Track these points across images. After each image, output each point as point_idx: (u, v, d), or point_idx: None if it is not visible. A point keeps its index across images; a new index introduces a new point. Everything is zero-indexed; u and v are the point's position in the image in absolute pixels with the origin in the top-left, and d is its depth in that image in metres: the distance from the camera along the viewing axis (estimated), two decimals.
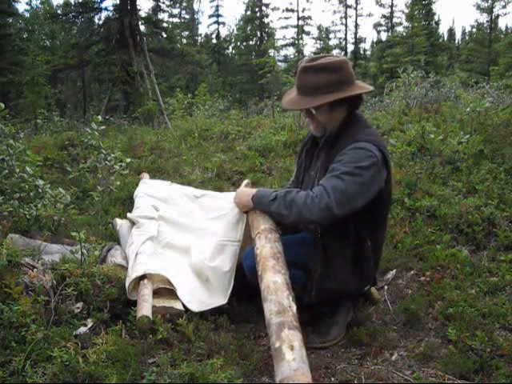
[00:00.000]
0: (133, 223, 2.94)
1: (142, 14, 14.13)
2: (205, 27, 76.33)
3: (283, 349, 1.46)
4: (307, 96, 2.03)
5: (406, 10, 27.83)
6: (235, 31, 35.80)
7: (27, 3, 30.14)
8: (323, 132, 2.14)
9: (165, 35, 15.38)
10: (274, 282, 1.75)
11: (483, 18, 27.31)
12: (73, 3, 14.50)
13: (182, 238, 2.77)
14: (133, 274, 2.22)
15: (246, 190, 2.28)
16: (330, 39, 33.17)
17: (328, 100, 1.99)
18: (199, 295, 2.31)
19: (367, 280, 2.18)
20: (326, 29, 33.69)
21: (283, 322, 1.55)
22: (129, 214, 3.07)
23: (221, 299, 2.27)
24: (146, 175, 4.30)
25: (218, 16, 32.91)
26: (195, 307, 2.22)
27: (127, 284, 2.17)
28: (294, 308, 1.63)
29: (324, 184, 1.91)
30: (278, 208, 1.98)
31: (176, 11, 32.69)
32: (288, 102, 2.14)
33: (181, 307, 2.17)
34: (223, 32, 45.87)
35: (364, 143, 1.96)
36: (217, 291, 2.31)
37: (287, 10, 31.51)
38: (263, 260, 1.87)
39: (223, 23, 39.27)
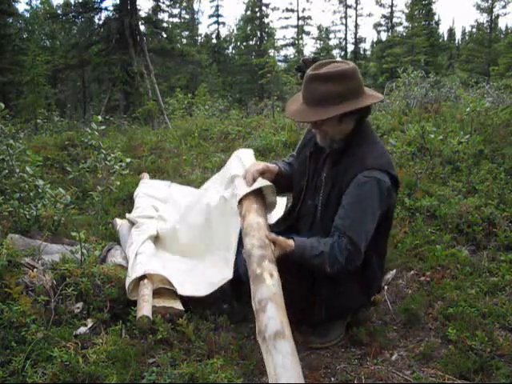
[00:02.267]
0: (132, 224, 2.94)
1: (142, 14, 14.17)
2: (205, 27, 76.33)
3: (264, 275, 1.63)
4: (315, 107, 1.90)
5: (406, 10, 27.85)
6: (235, 31, 35.79)
7: (27, 3, 30.14)
8: (330, 143, 2.03)
9: (165, 35, 15.38)
10: (258, 223, 1.91)
11: (483, 18, 27.39)
12: (73, 3, 14.55)
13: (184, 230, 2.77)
14: (133, 274, 2.22)
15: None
16: (330, 39, 33.20)
17: (338, 112, 1.87)
18: (205, 279, 2.33)
19: (374, 290, 2.19)
20: (326, 29, 33.71)
21: (265, 255, 1.73)
22: (128, 215, 3.08)
23: (227, 274, 2.25)
24: (146, 175, 4.30)
25: (218, 16, 32.91)
26: (203, 291, 2.24)
27: (127, 284, 2.18)
28: (273, 247, 1.82)
29: (354, 238, 1.86)
30: (319, 262, 1.88)
31: (176, 11, 32.67)
32: (295, 113, 2.00)
33: (181, 307, 2.17)
34: (223, 32, 45.89)
35: (374, 172, 1.89)
36: (222, 267, 2.32)
37: (287, 10, 31.54)
38: (248, 207, 2.01)
39: (223, 23, 39.26)
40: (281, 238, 1.88)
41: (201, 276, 2.40)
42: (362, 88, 1.94)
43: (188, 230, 2.69)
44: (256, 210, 2.01)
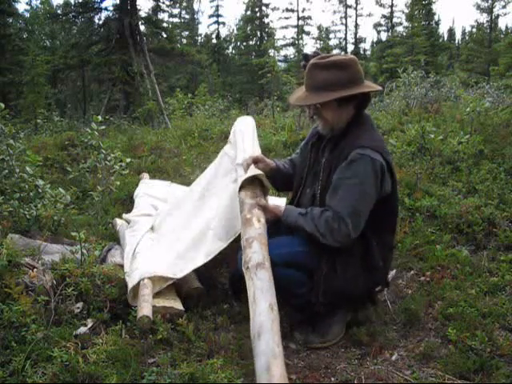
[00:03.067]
0: (128, 223, 2.95)
1: (142, 14, 14.17)
2: (205, 27, 76.40)
3: (253, 219, 1.95)
4: (314, 93, 2.03)
5: (406, 10, 27.83)
6: (235, 31, 35.79)
7: (27, 3, 30.12)
8: (330, 130, 2.11)
9: (165, 35, 15.37)
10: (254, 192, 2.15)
11: (483, 18, 27.36)
12: (73, 3, 14.56)
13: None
14: (129, 283, 2.21)
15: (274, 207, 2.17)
16: (330, 39, 33.20)
17: (334, 97, 1.98)
18: (203, 248, 2.38)
19: (377, 280, 2.17)
20: (326, 29, 33.71)
21: (255, 204, 2.05)
22: (124, 215, 3.07)
23: (224, 243, 2.34)
24: (146, 175, 4.30)
25: (218, 16, 32.92)
26: (200, 261, 2.30)
27: (128, 292, 2.17)
28: (263, 201, 2.09)
29: (340, 211, 1.93)
30: (304, 224, 2.00)
31: (176, 11, 32.71)
32: (295, 99, 2.14)
33: (181, 307, 2.17)
34: (223, 32, 45.78)
35: (368, 150, 1.95)
36: (221, 237, 2.38)
37: (287, 10, 31.55)
38: (246, 192, 2.16)
39: (223, 23, 39.19)
40: (271, 204, 2.12)
41: (197, 248, 2.42)
42: (360, 78, 2.03)
43: (191, 207, 2.75)
44: (253, 192, 2.17)
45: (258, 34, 30.66)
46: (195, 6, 35.32)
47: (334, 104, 2.02)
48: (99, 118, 3.82)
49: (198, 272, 2.44)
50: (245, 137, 2.63)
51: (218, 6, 32.48)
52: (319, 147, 2.20)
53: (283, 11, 31.60)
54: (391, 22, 30.31)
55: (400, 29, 29.34)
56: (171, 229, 2.69)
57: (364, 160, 1.93)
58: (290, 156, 2.54)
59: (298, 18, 31.68)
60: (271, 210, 2.08)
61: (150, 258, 2.42)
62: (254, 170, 2.22)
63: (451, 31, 43.79)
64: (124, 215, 3.08)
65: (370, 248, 2.05)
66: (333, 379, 1.84)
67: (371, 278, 2.12)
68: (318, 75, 2.01)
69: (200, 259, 2.34)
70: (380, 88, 2.15)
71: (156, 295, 2.18)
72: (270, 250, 2.04)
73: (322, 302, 2.05)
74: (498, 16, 27.59)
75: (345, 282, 2.02)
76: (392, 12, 30.08)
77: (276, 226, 2.28)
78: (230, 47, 35.74)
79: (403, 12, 29.12)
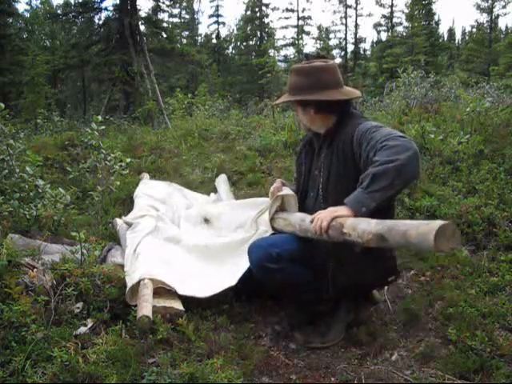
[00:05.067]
0: (129, 225, 2.94)
1: (142, 14, 14.16)
2: (205, 27, 76.31)
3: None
4: (288, 95, 2.18)
5: (406, 10, 27.80)
6: (235, 31, 35.78)
7: (27, 3, 30.15)
8: (309, 131, 2.27)
9: (165, 35, 15.37)
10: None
11: (483, 18, 27.41)
12: (73, 3, 14.55)
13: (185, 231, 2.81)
14: (129, 282, 2.20)
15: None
16: (330, 39, 33.14)
17: (293, 99, 2.13)
18: (208, 281, 2.34)
19: (388, 270, 2.12)
20: (326, 29, 33.68)
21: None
22: (124, 218, 3.07)
23: (231, 281, 2.27)
24: (146, 175, 4.30)
25: (218, 16, 32.89)
26: (203, 293, 2.24)
27: (126, 291, 2.17)
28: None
29: (384, 137, 1.75)
30: (385, 181, 1.65)
31: (176, 11, 32.65)
32: (277, 99, 2.31)
33: (181, 307, 2.17)
34: (223, 32, 45.82)
35: (368, 121, 2.02)
36: (227, 274, 2.34)
37: (287, 10, 31.50)
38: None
39: (223, 23, 39.18)
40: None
41: (204, 278, 2.39)
42: (332, 84, 2.07)
43: (203, 232, 2.78)
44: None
45: (258, 34, 30.65)
46: (195, 6, 35.32)
47: (300, 107, 2.15)
48: (99, 118, 3.82)
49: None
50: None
51: (218, 6, 32.46)
52: (314, 151, 2.25)
53: (283, 11, 31.56)
54: (391, 22, 30.28)
55: (400, 29, 29.32)
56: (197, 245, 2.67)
57: (370, 121, 2.02)
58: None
59: (298, 18, 31.65)
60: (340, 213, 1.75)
61: (151, 259, 2.43)
62: (287, 190, 2.32)
63: (451, 31, 43.82)
64: (123, 218, 3.07)
65: None
66: (333, 379, 1.84)
67: (380, 269, 2.08)
68: (291, 79, 2.15)
69: (203, 292, 2.29)
70: (358, 94, 2.16)
71: (156, 295, 2.18)
72: (272, 246, 2.05)
73: (332, 296, 2.06)
74: (498, 16, 27.64)
75: (353, 276, 2.01)
76: (392, 12, 30.06)
77: None
78: (230, 47, 35.73)
79: (403, 12, 29.09)
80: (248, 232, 2.50)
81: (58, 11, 21.18)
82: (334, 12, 31.76)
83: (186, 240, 2.68)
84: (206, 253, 2.57)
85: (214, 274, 2.41)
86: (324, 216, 1.76)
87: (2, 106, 3.24)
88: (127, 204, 3.78)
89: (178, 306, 2.17)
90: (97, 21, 14.70)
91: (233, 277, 2.28)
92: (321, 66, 2.09)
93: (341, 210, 1.73)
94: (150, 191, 3.54)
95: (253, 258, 2.09)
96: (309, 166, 2.25)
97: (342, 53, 31.14)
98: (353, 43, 31.45)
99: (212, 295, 2.24)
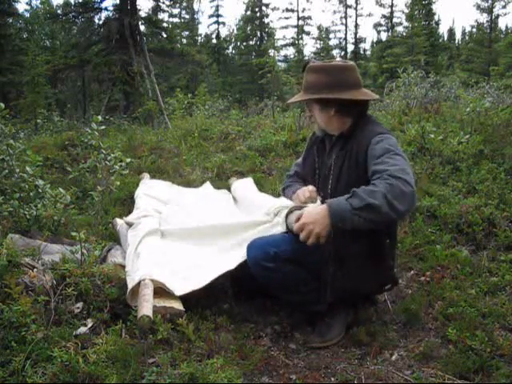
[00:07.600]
0: (130, 225, 2.94)
1: (142, 14, 14.18)
2: (205, 27, 76.38)
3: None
4: (304, 93, 2.11)
5: (406, 10, 27.84)
6: (235, 31, 35.79)
7: (27, 3, 30.16)
8: (322, 132, 2.19)
9: (165, 35, 15.38)
10: None
11: (483, 18, 27.37)
12: (73, 3, 14.55)
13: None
14: (129, 283, 2.20)
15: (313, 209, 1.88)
16: (330, 39, 33.18)
17: (312, 97, 2.07)
18: (209, 267, 2.34)
19: (386, 278, 2.15)
20: (326, 29, 33.70)
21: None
22: (124, 218, 3.07)
23: (231, 264, 2.26)
24: (146, 175, 4.30)
25: (218, 16, 32.93)
26: (204, 281, 2.22)
27: (127, 293, 2.17)
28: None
29: (394, 172, 1.73)
30: (362, 202, 1.68)
31: (176, 11, 32.74)
32: (291, 98, 2.25)
33: (181, 307, 2.17)
34: (223, 32, 45.87)
35: (386, 134, 1.98)
36: (229, 257, 2.34)
37: (287, 10, 31.57)
38: None
39: (223, 23, 39.23)
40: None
41: (204, 267, 2.39)
42: (353, 84, 2.04)
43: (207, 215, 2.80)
44: None
45: (258, 34, 30.70)
46: (195, 6, 35.33)
47: (317, 107, 2.10)
48: (99, 118, 3.82)
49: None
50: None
51: (218, 6, 32.52)
52: (325, 150, 2.21)
53: (283, 11, 31.64)
54: (391, 21, 30.32)
55: (400, 29, 29.39)
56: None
57: (389, 137, 1.96)
58: (291, 171, 2.51)
59: (298, 18, 31.70)
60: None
61: (152, 259, 2.42)
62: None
63: (451, 31, 43.85)
64: (124, 218, 3.07)
65: (382, 246, 2.04)
66: (333, 379, 1.84)
67: (380, 277, 2.11)
68: (309, 77, 2.09)
69: (202, 282, 2.28)
70: (375, 97, 2.15)
71: (156, 295, 2.17)
72: (271, 245, 2.05)
73: (329, 301, 2.05)
74: (498, 16, 27.64)
75: (353, 282, 2.01)
76: (392, 12, 30.10)
77: None
78: (230, 47, 35.76)
79: (403, 12, 29.17)
80: (264, 217, 2.51)
81: (58, 11, 21.22)
82: (334, 12, 31.86)
83: (190, 223, 2.72)
84: (214, 232, 2.58)
85: (215, 260, 2.41)
86: (308, 228, 1.78)
87: (2, 106, 3.24)
88: (127, 204, 3.78)
89: (178, 306, 2.17)
90: (97, 21, 14.74)
91: (233, 260, 2.27)
92: (342, 65, 2.07)
93: (321, 221, 1.76)
94: (150, 191, 3.54)
95: (250, 256, 2.09)
96: (320, 165, 2.23)
97: (342, 53, 31.17)
98: (353, 43, 31.51)
99: (213, 280, 2.24)
